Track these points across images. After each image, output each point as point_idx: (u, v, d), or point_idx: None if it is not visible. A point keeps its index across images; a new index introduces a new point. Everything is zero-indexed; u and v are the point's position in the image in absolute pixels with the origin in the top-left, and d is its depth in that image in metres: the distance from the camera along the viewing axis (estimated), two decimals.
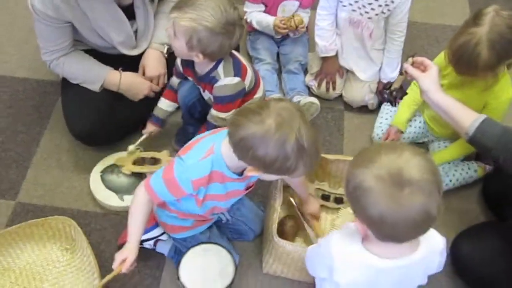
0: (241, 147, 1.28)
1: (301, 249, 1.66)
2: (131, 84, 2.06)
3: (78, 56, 2.03)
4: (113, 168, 2.05)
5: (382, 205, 1.07)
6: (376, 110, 2.32)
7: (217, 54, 1.72)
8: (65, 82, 2.09)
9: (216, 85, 1.79)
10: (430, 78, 1.66)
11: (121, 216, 1.97)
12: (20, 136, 2.20)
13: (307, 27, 2.43)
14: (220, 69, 1.78)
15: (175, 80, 2.01)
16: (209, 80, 1.80)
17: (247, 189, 1.60)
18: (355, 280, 1.27)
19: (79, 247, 1.84)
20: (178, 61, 1.91)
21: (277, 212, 1.70)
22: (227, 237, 1.89)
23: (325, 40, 2.24)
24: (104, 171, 2.05)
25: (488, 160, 2.10)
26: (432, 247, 1.25)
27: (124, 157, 2.04)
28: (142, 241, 1.82)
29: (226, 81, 1.78)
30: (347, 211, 1.96)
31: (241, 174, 1.44)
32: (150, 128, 2.07)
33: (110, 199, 1.98)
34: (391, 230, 1.11)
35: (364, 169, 1.10)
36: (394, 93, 1.86)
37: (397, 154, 1.10)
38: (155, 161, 2.03)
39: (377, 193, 1.08)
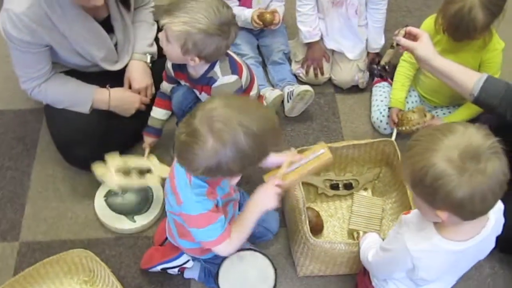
0: (208, 174, 1.23)
1: (339, 245, 1.64)
2: (121, 99, 1.97)
3: (61, 79, 1.92)
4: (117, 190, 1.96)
5: (469, 183, 1.05)
6: (367, 88, 2.32)
7: (213, 56, 1.66)
8: (49, 108, 1.97)
9: (214, 85, 1.73)
10: (426, 46, 1.66)
11: (135, 237, 1.90)
12: (8, 172, 2.08)
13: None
14: (217, 68, 1.72)
15: (166, 86, 1.93)
16: (206, 81, 1.74)
17: None
18: (440, 269, 1.27)
19: (99, 278, 1.76)
20: (169, 65, 1.84)
21: (305, 213, 1.66)
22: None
23: (308, 26, 2.21)
24: (107, 195, 1.96)
25: (487, 121, 2.13)
26: (497, 212, 1.25)
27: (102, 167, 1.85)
28: (166, 269, 1.77)
29: (224, 80, 1.72)
30: (360, 194, 1.95)
31: None
32: (149, 140, 2.00)
33: (121, 223, 1.89)
34: (482, 205, 1.09)
35: (432, 159, 1.08)
36: (387, 67, 1.86)
37: (452, 132, 1.09)
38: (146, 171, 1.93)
39: (460, 174, 1.05)
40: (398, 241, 1.28)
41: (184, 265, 1.75)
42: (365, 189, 1.99)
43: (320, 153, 1.60)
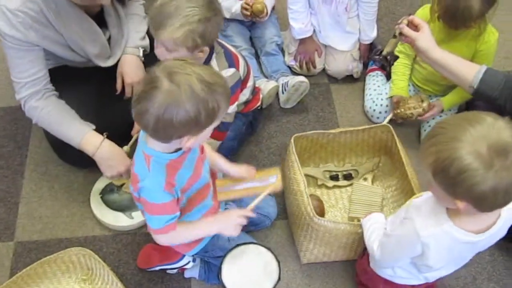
0: (162, 127, 1.19)
1: (343, 225, 1.63)
2: (110, 154, 1.80)
3: (58, 108, 1.79)
4: (112, 186, 1.93)
5: (495, 178, 1.03)
6: (361, 78, 2.31)
7: (216, 36, 1.65)
8: None
9: None
10: (426, 37, 1.66)
11: (132, 234, 1.87)
12: (0, 171, 2.03)
13: (273, 7, 2.37)
14: (213, 62, 1.70)
15: None
16: None
17: (202, 150, 1.49)
18: (446, 257, 1.27)
19: (98, 276, 1.73)
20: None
21: (307, 194, 1.65)
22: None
23: (300, 22, 2.20)
24: (103, 192, 1.92)
25: (485, 107, 2.12)
26: (509, 210, 1.23)
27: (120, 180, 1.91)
28: (165, 269, 1.76)
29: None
30: (359, 183, 1.95)
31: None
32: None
33: (119, 220, 1.87)
34: (503, 198, 1.08)
35: (459, 150, 1.05)
36: (389, 57, 1.85)
37: (481, 123, 1.06)
38: None
39: (487, 169, 1.03)
40: (407, 226, 1.27)
41: (184, 266, 1.74)
42: (365, 179, 1.98)
43: (272, 181, 1.63)
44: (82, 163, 1.94)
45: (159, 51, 1.60)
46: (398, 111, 2.01)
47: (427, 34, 1.66)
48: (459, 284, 1.78)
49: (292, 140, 1.79)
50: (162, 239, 1.46)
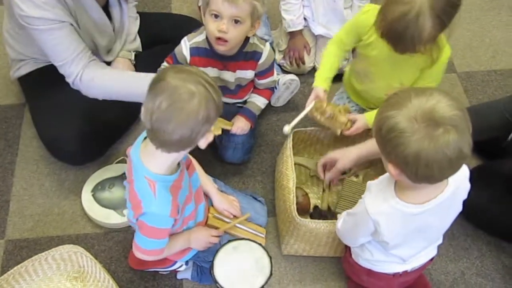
0: (179, 142, 1.22)
1: (324, 225, 1.65)
2: None
3: (112, 69, 1.86)
4: (103, 184, 1.93)
5: (418, 144, 1.08)
6: None
7: None
8: (34, 106, 1.92)
9: (261, 61, 1.79)
10: (342, 160, 1.76)
11: (124, 231, 1.88)
12: None
13: None
14: (256, 40, 1.76)
15: None
16: (250, 56, 1.77)
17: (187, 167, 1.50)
18: (401, 232, 1.31)
19: (89, 273, 1.73)
20: (185, 51, 1.74)
21: (293, 192, 1.67)
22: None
23: (292, 14, 2.20)
24: (94, 190, 1.92)
25: None
26: (459, 176, 1.24)
27: None
28: (158, 271, 1.77)
29: (266, 51, 1.79)
30: (350, 180, 1.96)
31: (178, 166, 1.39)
32: None
33: (110, 218, 1.86)
34: (426, 170, 1.11)
35: (396, 111, 1.11)
36: (323, 212, 1.87)
37: (426, 95, 1.11)
38: None
39: (412, 133, 1.08)
40: (360, 206, 1.33)
41: (177, 270, 1.75)
42: (357, 176, 1.99)
43: (257, 234, 1.77)
44: (75, 160, 1.94)
45: (224, 27, 1.58)
46: (316, 115, 1.81)
47: (341, 160, 1.76)
48: (448, 279, 1.80)
49: (291, 135, 1.80)
50: (146, 258, 1.48)
